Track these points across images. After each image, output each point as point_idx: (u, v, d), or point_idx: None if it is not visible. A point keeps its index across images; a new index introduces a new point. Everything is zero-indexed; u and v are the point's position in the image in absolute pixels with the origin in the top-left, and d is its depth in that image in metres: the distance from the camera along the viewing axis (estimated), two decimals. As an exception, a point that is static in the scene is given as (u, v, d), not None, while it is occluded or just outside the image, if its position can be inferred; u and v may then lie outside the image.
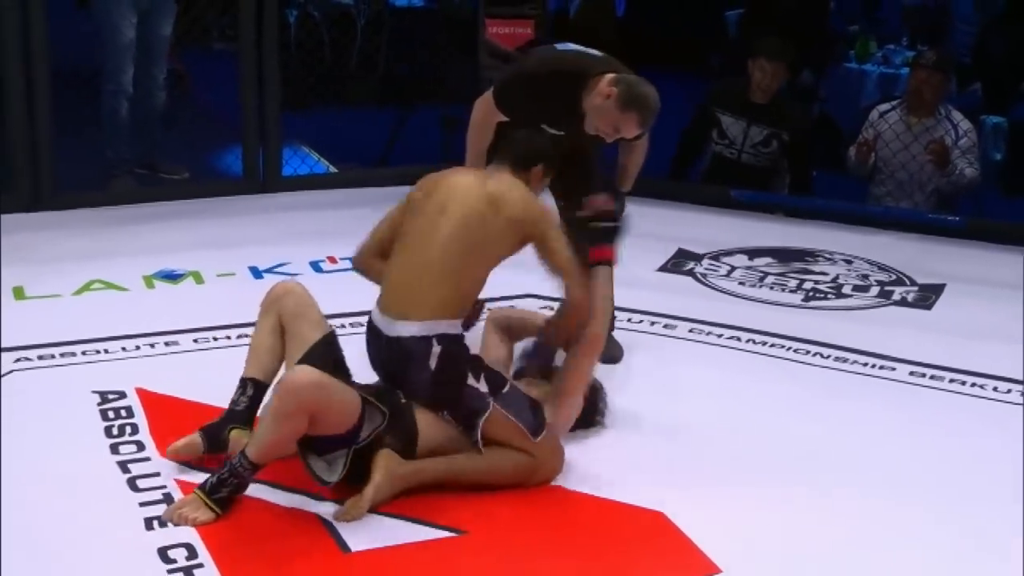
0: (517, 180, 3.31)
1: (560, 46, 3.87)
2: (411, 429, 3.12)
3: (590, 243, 3.43)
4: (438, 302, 3.13)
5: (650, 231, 4.51)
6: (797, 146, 5.78)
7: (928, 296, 4.75)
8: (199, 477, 3.07)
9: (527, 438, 3.14)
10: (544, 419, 3.20)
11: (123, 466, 3.18)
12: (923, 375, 3.97)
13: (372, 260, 3.46)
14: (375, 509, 2.99)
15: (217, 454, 3.16)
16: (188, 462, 3.18)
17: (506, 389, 3.17)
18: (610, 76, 3.61)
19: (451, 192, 3.25)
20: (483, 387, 3.13)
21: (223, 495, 2.94)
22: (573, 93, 3.65)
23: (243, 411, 3.24)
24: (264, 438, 2.94)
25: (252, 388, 3.27)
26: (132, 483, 3.09)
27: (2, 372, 3.73)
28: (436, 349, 3.11)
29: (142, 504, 2.98)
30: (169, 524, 2.91)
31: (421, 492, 3.06)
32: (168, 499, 3.00)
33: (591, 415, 3.45)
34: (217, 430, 3.21)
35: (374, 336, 3.20)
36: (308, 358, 3.12)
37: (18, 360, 3.82)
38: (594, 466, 3.27)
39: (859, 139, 5.67)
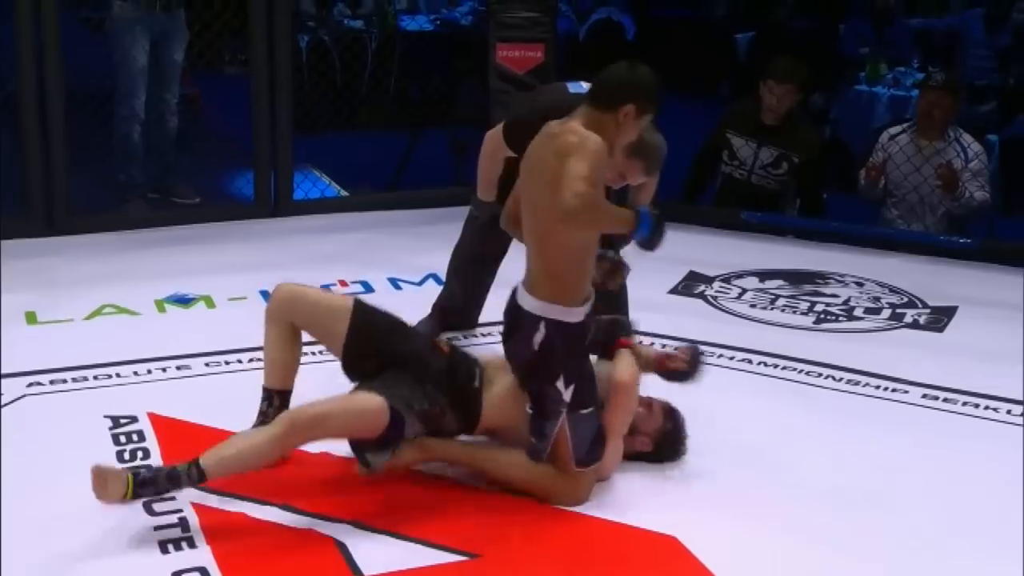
0: (587, 130, 3.04)
1: (572, 86, 3.81)
2: (475, 412, 3.19)
3: (607, 341, 3.34)
4: (549, 285, 3.09)
5: (661, 253, 4.43)
6: (807, 168, 5.78)
7: (940, 319, 4.74)
8: (216, 501, 3.11)
9: (568, 462, 3.14)
10: (599, 456, 3.18)
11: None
12: (936, 398, 3.96)
13: (514, 223, 3.33)
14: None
15: None
16: None
17: (587, 411, 3.15)
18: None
19: (531, 151, 3.17)
20: (566, 395, 3.11)
21: (145, 495, 2.95)
22: None
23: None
24: (239, 465, 3.00)
25: (278, 399, 3.32)
26: (147, 507, 3.08)
27: (15, 397, 3.74)
28: (541, 334, 3.10)
29: (157, 528, 2.99)
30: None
31: (432, 507, 3.08)
32: (184, 523, 3.01)
33: (676, 447, 3.44)
34: None
35: (510, 298, 3.21)
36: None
37: (31, 385, 3.83)
38: (607, 490, 3.26)
39: (869, 162, 5.67)
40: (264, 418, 3.30)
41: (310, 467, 3.30)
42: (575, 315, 3.11)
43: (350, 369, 3.30)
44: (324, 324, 3.30)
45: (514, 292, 3.19)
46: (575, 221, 2.94)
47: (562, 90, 3.82)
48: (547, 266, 3.10)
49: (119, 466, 3.16)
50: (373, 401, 3.06)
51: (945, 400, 3.94)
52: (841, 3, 8.47)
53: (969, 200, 5.50)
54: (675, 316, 4.55)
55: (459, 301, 4.41)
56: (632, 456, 3.37)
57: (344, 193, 6.35)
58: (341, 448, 3.35)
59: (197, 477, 2.95)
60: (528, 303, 3.12)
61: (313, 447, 3.29)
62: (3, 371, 3.88)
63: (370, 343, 3.26)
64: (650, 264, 4.52)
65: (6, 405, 3.67)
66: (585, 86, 3.71)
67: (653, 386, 3.47)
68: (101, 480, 2.91)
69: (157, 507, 3.07)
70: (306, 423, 3.01)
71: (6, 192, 5.47)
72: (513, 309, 3.17)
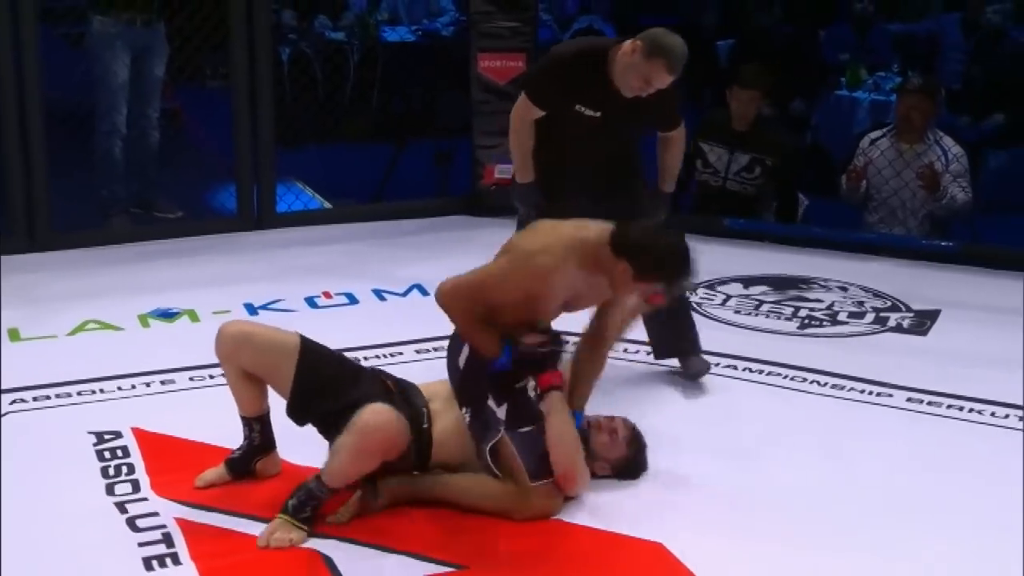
0: (574, 250, 3.14)
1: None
2: (426, 452, 3.21)
3: (537, 371, 3.24)
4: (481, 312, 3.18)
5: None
6: (781, 170, 5.81)
7: (923, 322, 4.75)
8: (199, 515, 3.10)
9: (523, 477, 3.13)
10: (549, 469, 3.16)
11: (121, 506, 3.17)
12: (920, 401, 3.97)
13: None
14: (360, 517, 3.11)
15: (245, 481, 3.29)
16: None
17: (526, 429, 3.15)
18: (633, 38, 3.70)
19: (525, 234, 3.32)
20: (500, 414, 3.14)
21: (307, 515, 3.03)
22: (600, 67, 3.74)
23: (261, 443, 3.33)
24: (346, 471, 3.05)
25: (258, 424, 3.33)
26: (131, 523, 3.08)
27: (-1, 414, 3.73)
28: (464, 353, 3.21)
29: (141, 544, 2.98)
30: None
31: (418, 520, 3.09)
32: (167, 539, 3.00)
33: (634, 472, 3.41)
34: (242, 463, 3.33)
35: None
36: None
37: (14, 402, 3.81)
38: (593, 498, 3.26)
39: (850, 167, 5.69)
40: (250, 443, 3.32)
41: (295, 482, 3.24)
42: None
43: (296, 412, 3.26)
44: (270, 368, 3.26)
45: None
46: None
47: (568, 40, 3.86)
48: (493, 315, 3.18)
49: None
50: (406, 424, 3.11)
51: (930, 403, 3.95)
52: (821, 9, 8.49)
53: (951, 201, 5.52)
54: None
55: None
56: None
57: (327, 205, 6.34)
58: (319, 461, 3.28)
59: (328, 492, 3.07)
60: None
61: (300, 460, 3.31)
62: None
63: (319, 389, 3.23)
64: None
65: (-11, 423, 3.65)
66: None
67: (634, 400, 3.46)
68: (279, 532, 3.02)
69: (141, 523, 3.08)
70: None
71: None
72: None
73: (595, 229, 3.18)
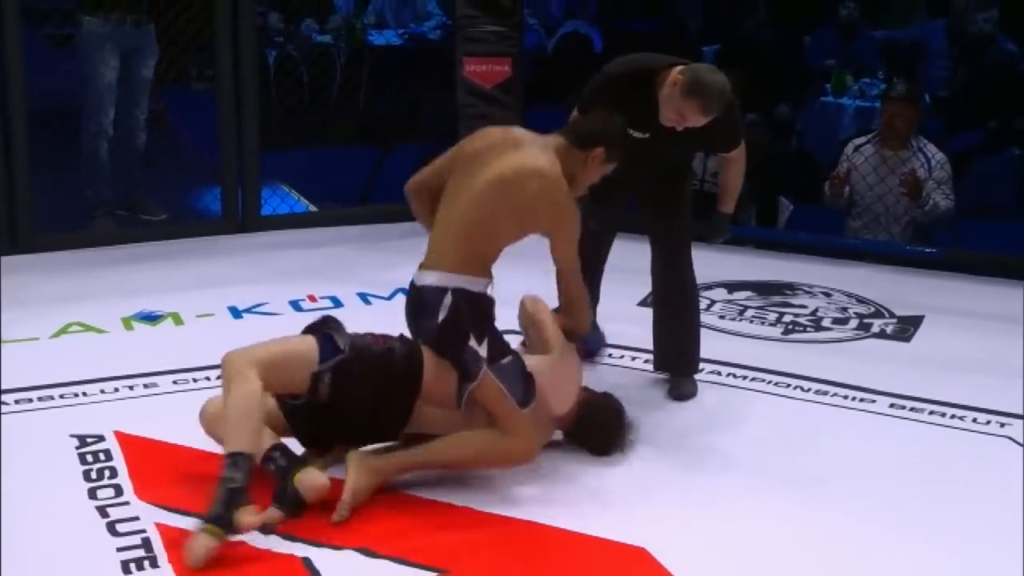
0: (556, 161, 3.36)
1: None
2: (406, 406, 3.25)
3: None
4: (460, 257, 3.30)
5: (629, 265, 4.50)
6: (756, 170, 5.78)
7: (907, 328, 4.76)
8: (179, 520, 3.07)
9: (513, 408, 3.22)
10: (534, 394, 3.29)
11: (102, 510, 3.16)
12: (903, 407, 3.98)
13: (417, 191, 3.65)
14: (358, 506, 3.11)
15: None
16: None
17: (506, 360, 3.28)
18: (680, 67, 3.70)
19: (495, 153, 3.37)
20: (483, 351, 3.24)
21: (225, 518, 2.91)
22: (648, 90, 3.74)
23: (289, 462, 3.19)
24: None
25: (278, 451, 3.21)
26: (111, 527, 3.07)
27: (-20, 417, 3.71)
28: (447, 300, 3.27)
29: (120, 549, 2.97)
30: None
31: (400, 522, 3.09)
32: (147, 544, 2.99)
33: (614, 438, 3.51)
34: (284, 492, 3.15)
35: (409, 288, 3.40)
36: None
37: (-4, 405, 3.78)
38: (576, 501, 3.27)
39: (833, 173, 5.71)
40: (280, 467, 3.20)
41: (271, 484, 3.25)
42: (479, 286, 3.31)
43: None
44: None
45: (412, 282, 3.38)
46: (573, 285, 3.47)
47: (623, 57, 3.95)
48: (470, 247, 3.30)
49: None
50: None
51: (912, 409, 3.96)
52: (806, 15, 8.51)
53: (934, 208, 5.54)
54: (645, 328, 4.50)
55: None
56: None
57: (313, 208, 6.33)
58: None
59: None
60: (431, 279, 3.31)
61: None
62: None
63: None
64: (619, 276, 4.59)
65: (-30, 426, 3.63)
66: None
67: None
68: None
69: (121, 527, 3.07)
70: None
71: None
72: (414, 295, 3.36)
73: (552, 142, 3.44)
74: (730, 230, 4.22)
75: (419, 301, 3.34)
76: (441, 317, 3.27)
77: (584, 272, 4.35)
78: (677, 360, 4.14)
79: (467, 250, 3.30)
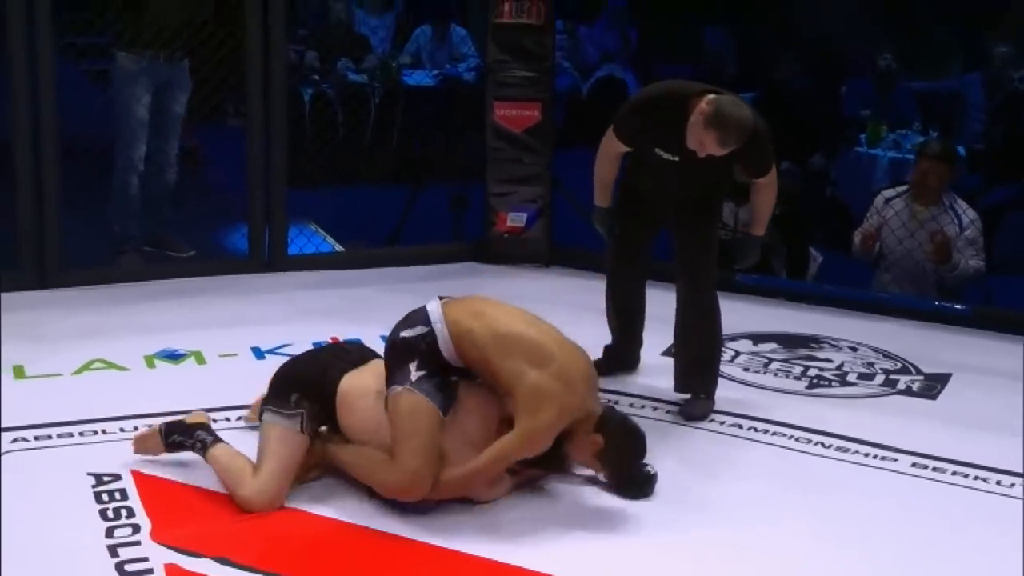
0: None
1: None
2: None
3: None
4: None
5: (655, 314, 4.50)
6: (788, 219, 5.77)
7: (934, 385, 4.69)
8: (190, 563, 3.10)
9: (409, 438, 3.30)
10: (450, 400, 3.38)
11: (112, 550, 3.17)
12: (925, 467, 3.91)
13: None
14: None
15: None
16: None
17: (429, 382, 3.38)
18: (711, 96, 3.80)
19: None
20: (414, 375, 3.35)
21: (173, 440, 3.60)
22: (679, 114, 3.84)
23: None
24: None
25: None
26: (120, 568, 3.07)
27: (-1, 452, 3.73)
28: (421, 330, 3.43)
29: (132, 590, 2.96)
30: None
31: None
32: (157, 586, 2.97)
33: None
34: None
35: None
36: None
37: (15, 440, 3.81)
38: (573, 547, 3.27)
39: (863, 227, 5.66)
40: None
41: (304, 535, 3.31)
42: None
43: None
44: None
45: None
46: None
47: (667, 83, 4.10)
48: None
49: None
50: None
51: (934, 469, 3.90)
52: (843, 64, 8.49)
53: (964, 269, 5.49)
54: (668, 378, 4.48)
55: (616, 339, 4.55)
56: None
57: (339, 248, 6.33)
58: (328, 509, 3.41)
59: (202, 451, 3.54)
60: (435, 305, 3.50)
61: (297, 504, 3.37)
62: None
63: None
64: (646, 324, 4.54)
65: (-11, 461, 3.65)
66: None
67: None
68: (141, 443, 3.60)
69: (129, 568, 3.08)
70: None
71: (-2, 245, 5.47)
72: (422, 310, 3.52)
73: (594, 398, 3.46)
74: (759, 254, 4.32)
75: (419, 310, 3.51)
76: (410, 333, 3.43)
77: (623, 316, 4.43)
78: (691, 379, 4.24)
79: None
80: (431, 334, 3.41)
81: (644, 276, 4.46)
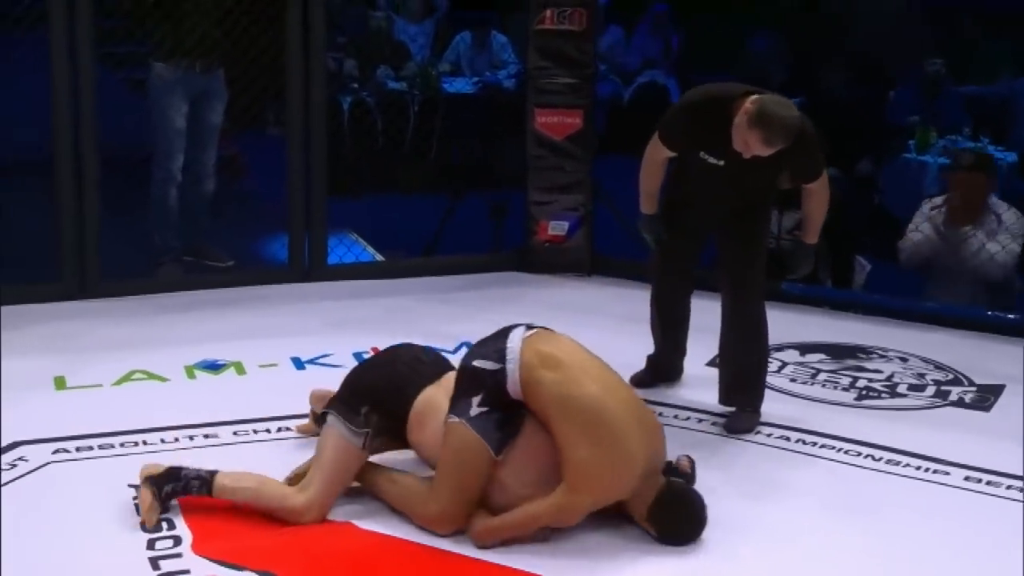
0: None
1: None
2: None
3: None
4: None
5: (699, 324, 4.44)
6: (833, 224, 5.67)
7: (987, 397, 4.60)
8: (230, 575, 3.07)
9: (451, 475, 3.27)
10: (508, 438, 3.28)
11: (154, 562, 3.16)
12: (979, 480, 3.84)
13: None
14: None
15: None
16: None
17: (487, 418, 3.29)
18: (755, 96, 3.77)
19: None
20: (473, 411, 3.27)
21: (168, 490, 3.38)
22: (723, 117, 3.81)
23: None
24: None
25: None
26: None
27: (40, 464, 3.73)
28: (502, 365, 3.31)
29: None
30: None
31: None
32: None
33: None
34: None
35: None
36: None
37: (56, 452, 3.81)
38: (618, 567, 3.22)
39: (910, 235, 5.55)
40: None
41: (350, 550, 3.29)
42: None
43: None
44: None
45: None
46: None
47: (711, 85, 4.04)
48: None
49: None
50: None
51: (988, 483, 3.82)
52: (890, 70, 8.39)
53: (994, 255, 5.42)
54: (712, 390, 4.42)
55: (659, 350, 4.50)
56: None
57: (379, 258, 6.31)
58: (367, 522, 3.37)
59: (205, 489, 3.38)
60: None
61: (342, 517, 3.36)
62: (29, 437, 3.87)
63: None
64: (691, 335, 4.48)
65: (31, 472, 3.66)
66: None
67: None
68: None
69: None
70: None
71: (39, 255, 5.46)
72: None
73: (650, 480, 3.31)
74: (812, 263, 4.29)
75: (502, 336, 3.39)
76: (483, 365, 3.32)
77: (667, 327, 4.37)
78: (737, 395, 4.19)
79: None
80: (502, 372, 3.30)
81: (690, 287, 4.41)
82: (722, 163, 3.93)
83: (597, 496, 3.24)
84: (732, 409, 4.21)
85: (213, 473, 3.41)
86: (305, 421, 3.97)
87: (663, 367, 4.52)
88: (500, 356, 3.32)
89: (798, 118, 3.78)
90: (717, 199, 4.11)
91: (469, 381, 3.33)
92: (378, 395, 3.42)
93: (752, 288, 4.17)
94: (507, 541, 3.27)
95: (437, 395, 3.40)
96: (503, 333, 3.40)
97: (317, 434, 3.54)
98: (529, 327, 3.42)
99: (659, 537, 3.32)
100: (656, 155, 4.13)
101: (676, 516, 3.32)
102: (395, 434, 3.46)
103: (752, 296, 4.17)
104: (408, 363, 3.52)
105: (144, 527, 3.32)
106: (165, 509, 3.37)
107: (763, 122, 3.70)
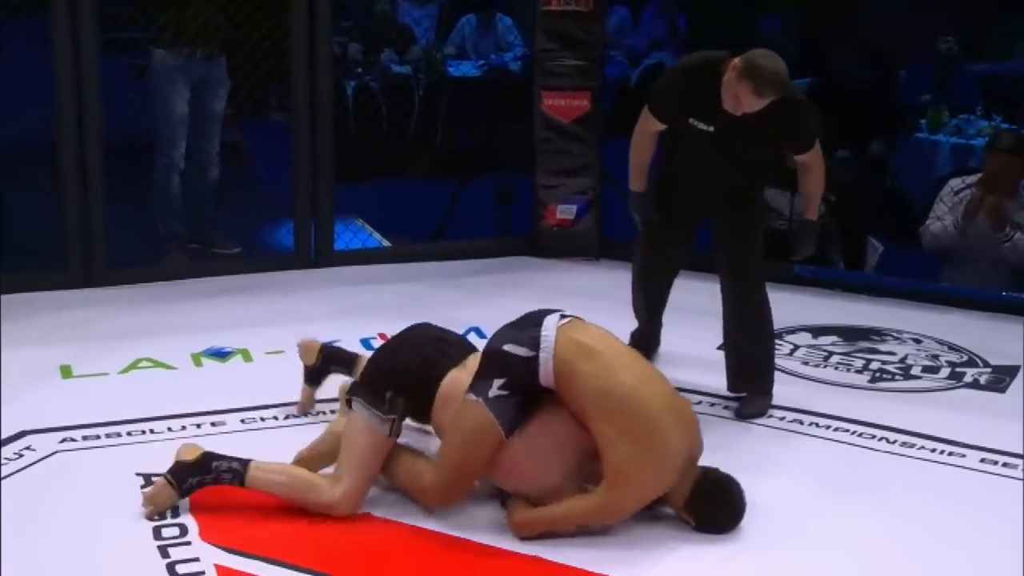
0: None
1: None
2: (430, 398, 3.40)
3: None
4: None
5: (709, 308, 4.39)
6: (845, 204, 5.64)
7: (1002, 378, 4.56)
8: (240, 562, 3.08)
9: (455, 451, 3.28)
10: (521, 422, 3.25)
11: (163, 550, 3.15)
12: (995, 462, 3.81)
13: None
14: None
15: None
16: None
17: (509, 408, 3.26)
18: (740, 56, 3.76)
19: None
20: (493, 392, 3.23)
21: (189, 485, 3.33)
22: (712, 81, 3.80)
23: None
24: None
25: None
26: (171, 568, 3.06)
27: (47, 453, 3.71)
28: (533, 352, 3.26)
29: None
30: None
31: None
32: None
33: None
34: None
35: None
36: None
37: (63, 441, 3.79)
38: (642, 555, 3.19)
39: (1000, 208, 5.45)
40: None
41: (357, 534, 3.27)
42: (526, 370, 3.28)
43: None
44: None
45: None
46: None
47: (699, 52, 4.01)
48: None
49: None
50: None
51: (1005, 465, 3.79)
52: (902, 49, 8.30)
53: (1015, 244, 5.36)
54: (724, 374, 4.38)
55: (642, 324, 4.45)
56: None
57: (386, 244, 6.28)
58: (378, 510, 3.36)
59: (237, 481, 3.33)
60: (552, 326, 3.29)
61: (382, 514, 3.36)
62: (36, 427, 3.85)
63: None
64: (698, 319, 4.47)
65: (38, 462, 3.64)
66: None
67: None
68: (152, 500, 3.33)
69: (180, 569, 3.06)
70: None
71: (44, 244, 5.43)
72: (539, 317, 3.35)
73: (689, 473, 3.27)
74: (816, 241, 4.24)
75: (534, 323, 3.32)
76: (514, 350, 3.26)
77: (652, 306, 4.31)
78: (745, 381, 4.18)
79: None
80: (535, 360, 3.24)
81: (675, 271, 4.36)
82: (712, 129, 3.89)
83: (638, 493, 3.20)
84: (742, 395, 4.17)
85: (246, 464, 3.35)
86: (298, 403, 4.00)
87: (647, 341, 4.48)
88: (534, 343, 3.25)
89: (786, 70, 3.75)
90: (708, 175, 4.05)
91: (496, 364, 3.27)
92: (404, 378, 3.38)
93: (752, 275, 4.13)
94: (544, 535, 3.24)
95: (462, 377, 3.36)
96: (535, 320, 3.33)
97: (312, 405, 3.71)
98: (563, 315, 3.34)
99: (697, 527, 3.28)
100: (646, 127, 4.09)
101: (715, 506, 3.28)
102: (419, 416, 3.45)
103: (753, 282, 4.13)
104: (433, 345, 3.48)
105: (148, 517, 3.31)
106: (177, 500, 3.35)
107: (752, 73, 3.67)
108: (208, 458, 3.36)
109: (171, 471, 3.35)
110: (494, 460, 3.27)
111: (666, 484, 3.21)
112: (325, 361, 3.98)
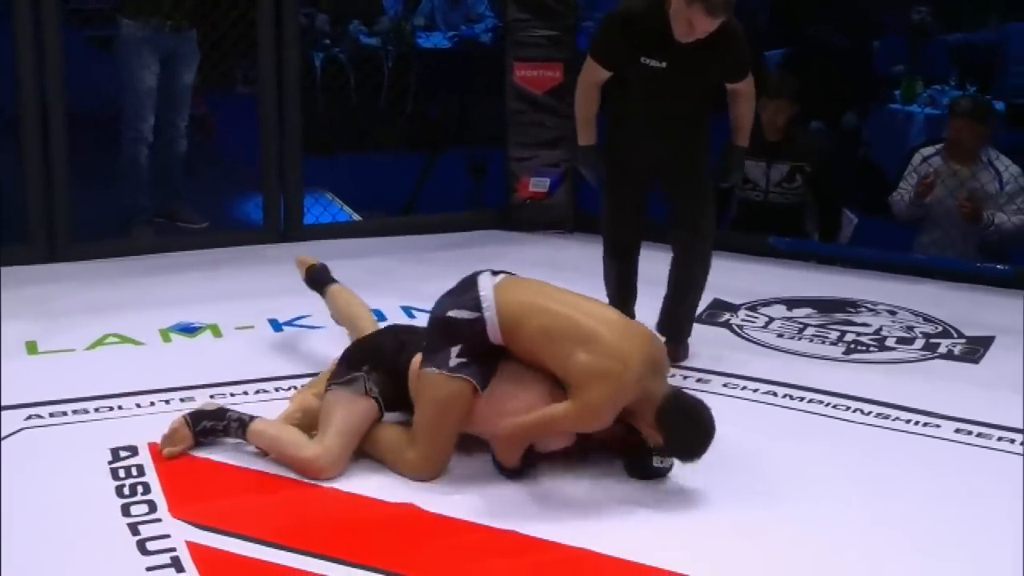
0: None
1: None
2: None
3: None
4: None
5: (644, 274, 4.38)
6: (820, 175, 5.63)
7: (976, 349, 4.56)
8: (211, 538, 3.04)
9: (429, 421, 3.32)
10: (491, 375, 3.32)
11: (133, 528, 3.11)
12: (969, 432, 3.79)
13: None
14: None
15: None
16: None
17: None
18: None
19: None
20: (453, 361, 3.30)
21: (203, 427, 3.47)
22: (659, 17, 3.80)
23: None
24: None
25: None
26: (141, 546, 3.02)
27: (13, 430, 3.65)
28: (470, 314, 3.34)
29: (149, 568, 2.92)
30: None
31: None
32: (176, 563, 2.93)
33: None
34: None
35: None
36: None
37: (29, 418, 3.74)
38: (615, 524, 3.18)
39: (922, 177, 5.47)
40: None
41: (330, 509, 3.24)
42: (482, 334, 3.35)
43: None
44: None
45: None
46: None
47: None
48: None
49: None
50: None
51: (979, 435, 3.78)
52: (876, 20, 8.29)
53: (999, 229, 5.35)
54: (699, 346, 4.40)
55: (613, 300, 4.37)
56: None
57: (356, 217, 6.23)
58: (346, 484, 3.33)
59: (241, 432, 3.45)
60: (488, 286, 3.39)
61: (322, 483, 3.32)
62: (1, 403, 3.79)
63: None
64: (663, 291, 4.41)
65: (4, 439, 3.58)
66: None
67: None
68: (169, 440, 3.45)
69: (151, 546, 3.01)
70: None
71: (6, 218, 5.36)
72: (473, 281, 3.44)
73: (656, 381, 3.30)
74: (743, 165, 4.32)
75: (470, 285, 3.42)
76: (459, 315, 3.35)
77: (622, 275, 4.37)
78: (682, 328, 4.33)
79: None
80: (480, 321, 3.32)
81: (640, 235, 4.35)
82: (664, 64, 3.90)
83: (606, 391, 3.19)
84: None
85: (253, 418, 3.49)
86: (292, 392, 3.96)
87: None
88: (476, 305, 3.34)
89: None
90: (661, 112, 4.04)
91: (446, 332, 3.35)
92: (376, 355, 3.49)
93: (707, 229, 4.25)
94: (532, 458, 3.32)
95: None
96: (470, 282, 3.43)
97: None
98: (494, 272, 3.45)
99: (665, 443, 3.27)
100: (591, 77, 4.07)
101: (683, 419, 3.26)
102: (397, 395, 3.46)
103: (708, 237, 4.25)
104: (407, 330, 3.68)
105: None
106: (196, 444, 3.47)
107: None
108: (223, 409, 3.52)
109: (189, 414, 3.49)
110: (472, 413, 3.32)
111: (630, 382, 3.20)
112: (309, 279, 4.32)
